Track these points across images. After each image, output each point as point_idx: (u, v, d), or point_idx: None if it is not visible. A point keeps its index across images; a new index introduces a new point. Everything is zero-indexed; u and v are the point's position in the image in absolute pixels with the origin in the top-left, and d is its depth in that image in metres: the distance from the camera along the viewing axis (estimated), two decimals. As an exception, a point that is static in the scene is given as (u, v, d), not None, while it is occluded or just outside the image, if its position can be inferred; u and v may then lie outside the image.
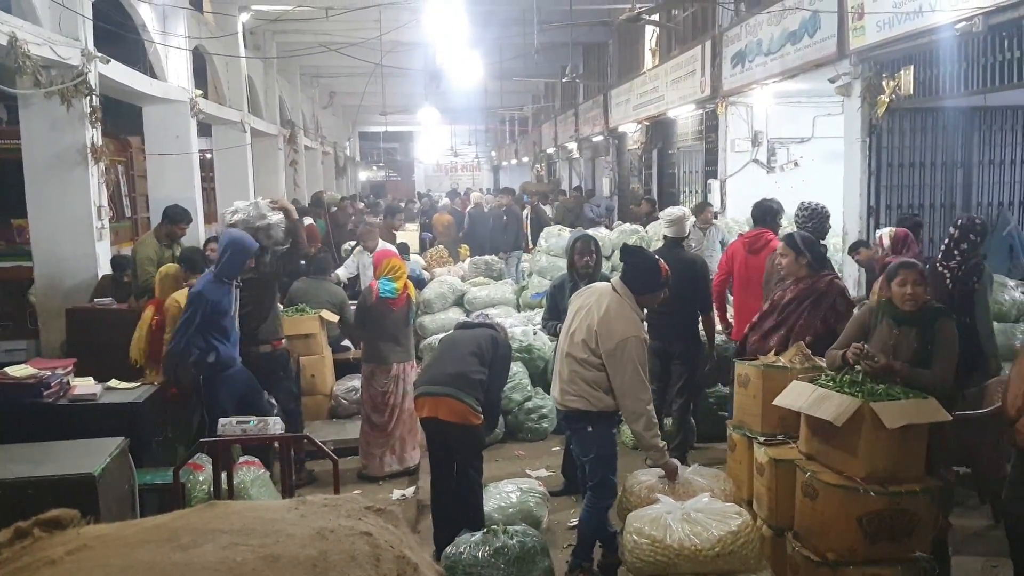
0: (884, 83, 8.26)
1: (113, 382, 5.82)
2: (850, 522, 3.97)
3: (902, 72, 8.04)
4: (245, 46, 15.84)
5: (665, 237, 7.00)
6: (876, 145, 8.73)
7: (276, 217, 6.56)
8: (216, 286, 5.99)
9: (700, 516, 4.11)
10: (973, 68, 7.09)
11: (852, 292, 7.35)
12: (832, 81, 9.05)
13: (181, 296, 6.35)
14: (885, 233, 6.27)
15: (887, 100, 8.23)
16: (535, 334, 8.12)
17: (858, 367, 4.30)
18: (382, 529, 1.55)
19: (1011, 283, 7.27)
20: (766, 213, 7.29)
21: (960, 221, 5.87)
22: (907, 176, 8.81)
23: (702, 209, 10.44)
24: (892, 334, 4.40)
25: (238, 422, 5.33)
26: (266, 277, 6.57)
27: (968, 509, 5.60)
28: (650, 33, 17.88)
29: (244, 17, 15.12)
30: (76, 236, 8.59)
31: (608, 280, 5.41)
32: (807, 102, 11.89)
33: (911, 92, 7.97)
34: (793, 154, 12.61)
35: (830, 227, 7.12)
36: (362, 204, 18.16)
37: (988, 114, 8.85)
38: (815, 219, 6.45)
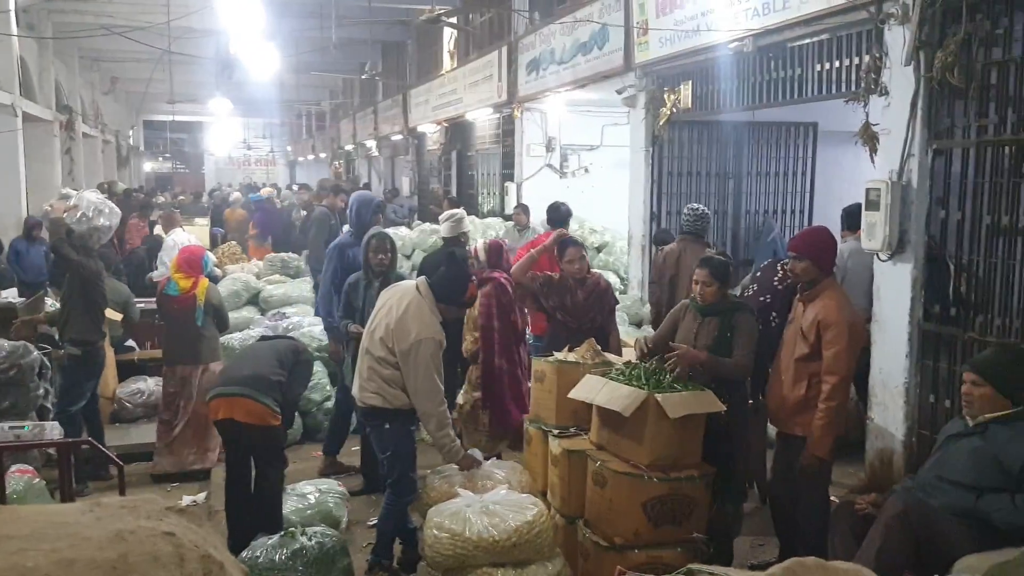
0: (666, 96, 8.81)
1: None
2: (635, 507, 4.23)
3: (682, 87, 8.61)
4: (18, 24, 14.60)
5: (443, 238, 7.17)
6: (658, 154, 9.28)
7: (112, 219, 6.39)
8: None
9: (498, 508, 4.24)
10: (745, 85, 7.68)
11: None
12: (619, 92, 9.54)
13: None
14: (480, 246, 6.60)
15: (668, 112, 8.79)
16: (333, 333, 8.01)
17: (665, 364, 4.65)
18: (185, 529, 1.52)
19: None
20: (562, 216, 7.92)
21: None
22: (686, 184, 9.42)
23: (518, 212, 10.75)
24: (696, 324, 4.80)
25: (11, 427, 4.97)
26: (92, 275, 6.49)
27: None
28: (449, 36, 18.08)
29: (17, -7, 13.96)
30: None
31: (404, 279, 5.49)
32: (597, 111, 12.45)
33: (690, 106, 8.55)
34: (584, 160, 13.18)
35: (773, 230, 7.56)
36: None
37: (757, 128, 9.59)
38: (700, 221, 6.82)
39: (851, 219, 6.65)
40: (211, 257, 12.27)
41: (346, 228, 7.78)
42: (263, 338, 5.93)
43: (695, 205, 7.07)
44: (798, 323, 4.63)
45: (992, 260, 5.07)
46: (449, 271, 4.91)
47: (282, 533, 4.68)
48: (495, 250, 6.44)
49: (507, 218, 12.54)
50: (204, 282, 6.70)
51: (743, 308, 4.85)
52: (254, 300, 10.21)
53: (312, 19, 16.36)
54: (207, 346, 6.79)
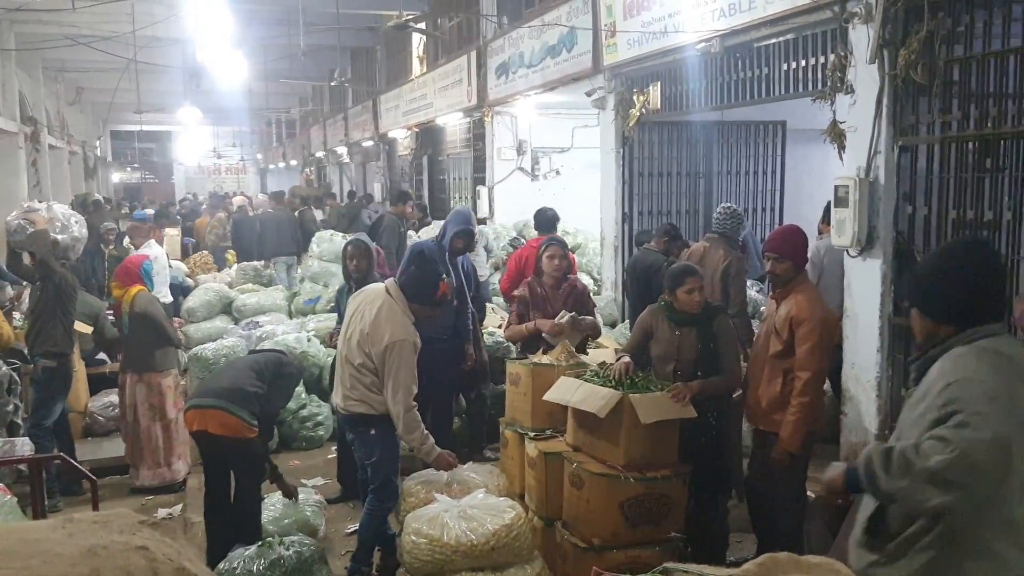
0: (635, 97, 8.85)
1: None
2: (613, 508, 4.24)
3: (650, 88, 8.66)
4: (-22, 36, 14.41)
5: None
6: (628, 156, 9.32)
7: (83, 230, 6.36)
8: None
9: (476, 512, 4.24)
10: (713, 85, 7.74)
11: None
12: (589, 95, 9.58)
13: None
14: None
15: (637, 114, 8.83)
16: (309, 341, 7.99)
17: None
18: (159, 543, 1.51)
19: (748, 282, 8.01)
20: (549, 220, 7.95)
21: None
22: (656, 185, 9.47)
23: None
24: (675, 336, 4.72)
25: (-21, 444, 4.90)
26: (71, 287, 6.54)
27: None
28: (418, 41, 18.06)
29: (-23, 4, 13.77)
30: None
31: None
32: (567, 114, 12.49)
33: (659, 107, 8.60)
34: (555, 163, 13.21)
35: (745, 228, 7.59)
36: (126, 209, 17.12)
37: (726, 128, 9.67)
38: (732, 221, 6.79)
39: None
40: (182, 267, 12.26)
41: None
42: (252, 351, 5.89)
43: (729, 204, 7.04)
44: (771, 320, 4.66)
45: (959, 254, 5.13)
46: (418, 271, 4.91)
47: (259, 543, 4.65)
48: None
49: (480, 221, 12.55)
50: (132, 290, 6.50)
51: (717, 311, 4.84)
52: (227, 309, 10.14)
53: (280, 26, 16.27)
54: (138, 355, 6.59)
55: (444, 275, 5.19)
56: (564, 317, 5.55)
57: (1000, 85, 4.89)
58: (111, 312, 7.96)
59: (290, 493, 5.40)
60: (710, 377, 4.64)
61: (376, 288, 4.96)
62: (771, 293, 4.78)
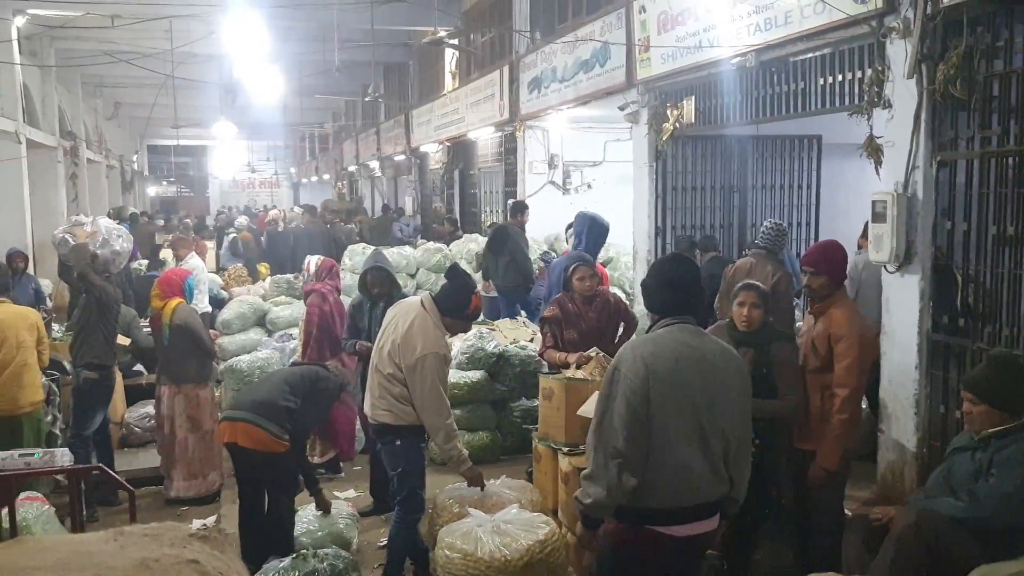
0: (668, 112, 8.83)
1: None
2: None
3: (684, 102, 8.64)
4: (20, 52, 14.70)
5: None
6: (661, 170, 9.30)
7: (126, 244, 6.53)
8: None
9: (509, 527, 4.24)
10: (747, 100, 7.70)
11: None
12: (622, 109, 9.58)
13: None
14: (313, 261, 7.19)
15: (671, 128, 8.81)
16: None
17: None
18: (209, 556, 1.52)
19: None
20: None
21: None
22: (690, 199, 9.42)
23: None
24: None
25: (21, 455, 4.97)
26: (112, 300, 6.70)
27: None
28: (450, 56, 18.18)
29: (19, 21, 14.05)
30: None
31: (407, 296, 5.54)
32: (599, 127, 12.48)
33: (693, 121, 8.57)
34: (586, 177, 13.20)
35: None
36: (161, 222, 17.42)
37: (761, 142, 9.60)
38: (779, 236, 6.74)
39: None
40: (216, 280, 12.40)
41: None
42: (294, 364, 5.97)
43: (775, 220, 7.00)
44: (809, 336, 4.61)
45: (999, 270, 5.07)
46: (452, 285, 4.93)
47: (293, 555, 4.68)
48: (326, 268, 7.20)
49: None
50: (173, 302, 6.59)
51: (781, 337, 4.63)
52: (261, 322, 10.24)
53: (315, 42, 16.45)
54: (177, 367, 6.66)
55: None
56: (592, 351, 5.51)
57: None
58: (146, 324, 8.09)
59: (325, 507, 5.43)
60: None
61: (411, 301, 5.00)
62: (809, 308, 4.73)
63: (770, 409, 4.44)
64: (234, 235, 16.23)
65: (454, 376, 7.01)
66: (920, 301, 5.48)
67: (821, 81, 6.66)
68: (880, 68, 5.71)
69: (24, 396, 6.22)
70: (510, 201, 11.08)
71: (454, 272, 5.02)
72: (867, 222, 6.47)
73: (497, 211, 15.27)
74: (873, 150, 5.81)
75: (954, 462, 3.97)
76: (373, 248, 8.78)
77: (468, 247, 12.06)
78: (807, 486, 4.61)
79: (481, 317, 8.11)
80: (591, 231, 6.80)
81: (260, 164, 37.67)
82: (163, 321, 6.56)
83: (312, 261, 7.33)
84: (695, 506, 3.22)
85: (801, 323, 4.99)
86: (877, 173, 5.87)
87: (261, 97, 17.76)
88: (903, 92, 5.53)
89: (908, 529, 3.70)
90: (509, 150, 14.29)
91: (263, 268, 15.08)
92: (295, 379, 5.23)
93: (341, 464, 7.30)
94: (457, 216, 16.87)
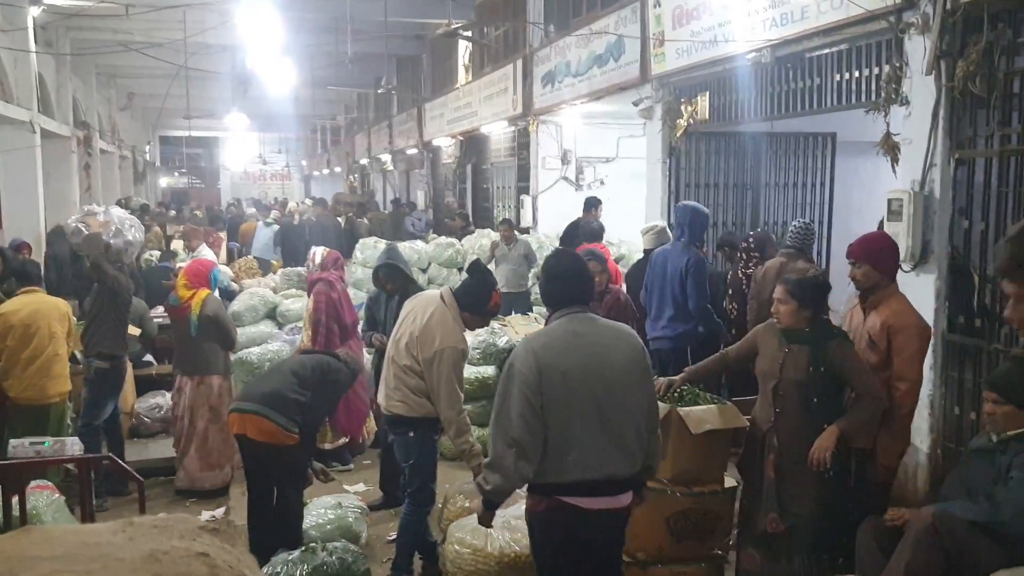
0: (682, 107, 8.79)
1: None
2: (658, 522, 4.19)
3: (699, 98, 8.59)
4: (36, 41, 14.74)
5: (645, 250, 7.40)
6: (675, 166, 9.25)
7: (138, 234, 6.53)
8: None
9: (519, 523, 4.22)
10: (762, 96, 7.65)
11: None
12: (635, 104, 9.53)
13: None
14: (319, 251, 7.26)
15: (685, 124, 8.77)
16: (352, 347, 8.03)
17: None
18: (219, 549, 1.50)
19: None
20: (596, 232, 8.26)
21: (753, 234, 6.42)
22: (703, 196, 9.36)
23: (505, 227, 10.83)
24: (782, 352, 4.30)
25: (31, 443, 4.98)
26: (125, 290, 6.74)
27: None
28: (464, 49, 18.14)
29: (35, 10, 14.08)
30: None
31: (422, 291, 5.51)
32: (612, 123, 12.43)
33: (707, 117, 8.53)
34: (599, 173, 13.15)
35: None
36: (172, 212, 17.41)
37: (775, 139, 9.54)
38: (807, 235, 6.68)
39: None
40: (227, 272, 12.41)
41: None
42: (305, 351, 5.93)
43: (804, 219, 6.95)
44: (862, 331, 4.47)
45: (1017, 270, 5.01)
46: (473, 280, 4.91)
47: (302, 548, 4.67)
48: (332, 259, 7.27)
49: (523, 231, 12.56)
50: (203, 293, 6.59)
51: (837, 335, 4.35)
52: (272, 314, 10.22)
53: (327, 34, 16.44)
54: (203, 358, 6.67)
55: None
56: None
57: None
58: (158, 315, 8.10)
59: (325, 478, 5.41)
60: (832, 411, 4.17)
61: (430, 294, 4.99)
62: (858, 303, 4.62)
63: (863, 414, 4.18)
64: (275, 226, 16.09)
65: (466, 371, 6.98)
66: (936, 301, 5.43)
67: (837, 77, 6.61)
68: (898, 64, 5.66)
69: (53, 386, 6.28)
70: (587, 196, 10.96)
71: (476, 268, 5.01)
72: (881, 220, 6.41)
73: (509, 206, 15.23)
74: (890, 148, 5.76)
75: (972, 464, 3.91)
76: (386, 243, 8.77)
77: (480, 242, 12.02)
78: (856, 490, 4.44)
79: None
80: (694, 221, 6.75)
81: (271, 156, 37.75)
82: (191, 312, 6.56)
83: (318, 252, 7.36)
84: (603, 482, 3.39)
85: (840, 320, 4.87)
86: (894, 171, 5.82)
87: (273, 88, 17.80)
88: (921, 89, 5.48)
89: (925, 532, 3.65)
90: (522, 145, 14.26)
91: (275, 261, 15.10)
92: (305, 371, 5.18)
93: (350, 456, 7.29)
94: (469, 211, 16.84)
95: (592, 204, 10.45)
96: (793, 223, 6.85)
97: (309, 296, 7.28)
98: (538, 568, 3.63)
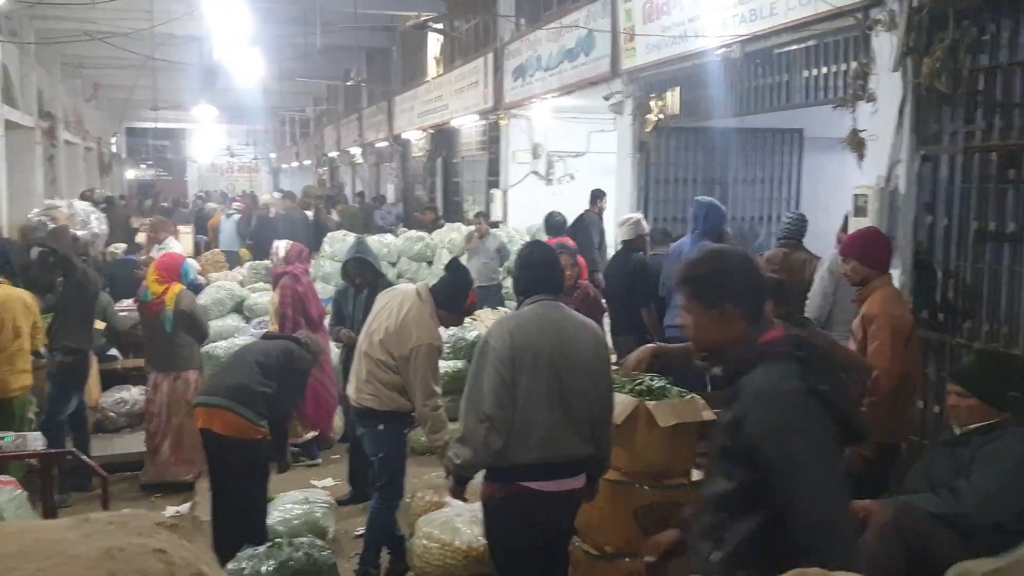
0: (652, 102, 8.81)
1: None
2: (626, 516, 4.19)
3: (669, 93, 8.61)
4: (0, 30, 14.46)
5: (623, 241, 7.39)
6: (645, 161, 9.27)
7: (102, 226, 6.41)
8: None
9: (487, 517, 4.21)
10: (732, 92, 7.68)
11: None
12: (606, 99, 9.54)
13: None
14: (282, 245, 7.35)
15: (655, 119, 8.79)
16: (319, 341, 7.97)
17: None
18: (176, 546, 1.48)
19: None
20: (560, 225, 8.17)
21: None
22: (673, 191, 9.41)
23: (479, 221, 10.85)
24: None
25: (-9, 438, 4.90)
26: (93, 283, 6.72)
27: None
28: (434, 42, 18.06)
29: (-1, -1, 13.79)
30: None
31: (391, 285, 5.49)
32: (584, 117, 12.43)
33: (677, 112, 8.55)
34: (570, 167, 13.15)
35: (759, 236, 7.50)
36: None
37: (744, 135, 9.59)
38: (800, 225, 6.74)
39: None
40: (194, 265, 12.26)
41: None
42: (266, 336, 5.82)
43: (797, 211, 6.99)
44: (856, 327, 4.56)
45: (979, 266, 5.09)
46: (451, 277, 4.90)
47: (268, 544, 4.63)
48: (296, 252, 7.33)
49: (493, 224, 12.53)
50: (176, 288, 6.52)
51: (809, 322, 4.60)
52: (238, 308, 10.13)
53: (296, 25, 16.27)
54: (177, 353, 6.62)
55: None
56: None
57: (1024, 95, 4.84)
58: (123, 308, 7.99)
59: (283, 468, 5.39)
60: None
61: (406, 289, 4.98)
62: (854, 299, 4.70)
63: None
64: (235, 216, 15.95)
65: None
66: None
67: (806, 73, 6.66)
68: (865, 61, 5.71)
69: (16, 380, 6.15)
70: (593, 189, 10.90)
71: (455, 266, 5.01)
72: (846, 215, 6.47)
73: (480, 200, 15.20)
74: (856, 144, 5.82)
75: (935, 457, 3.96)
76: (355, 236, 8.73)
77: (451, 236, 11.98)
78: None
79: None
80: (708, 215, 6.75)
81: (239, 148, 37.38)
82: (166, 307, 6.47)
83: (281, 246, 7.38)
84: (561, 463, 3.53)
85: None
86: (860, 167, 5.87)
87: (241, 80, 17.57)
88: (887, 86, 5.53)
89: (888, 525, 3.69)
90: (493, 139, 14.23)
91: (243, 253, 14.95)
92: (268, 360, 5.10)
93: (318, 451, 7.24)
94: (439, 205, 16.78)
95: (597, 196, 10.49)
96: (788, 214, 6.96)
97: (275, 290, 7.24)
98: (492, 554, 3.73)
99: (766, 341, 2.30)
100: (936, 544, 3.65)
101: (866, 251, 4.56)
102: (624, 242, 7.36)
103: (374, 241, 11.44)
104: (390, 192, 22.06)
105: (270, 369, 5.05)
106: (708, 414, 4.35)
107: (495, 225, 12.50)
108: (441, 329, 4.91)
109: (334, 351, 7.21)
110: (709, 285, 2.36)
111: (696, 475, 4.44)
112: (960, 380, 3.88)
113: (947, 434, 3.99)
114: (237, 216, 15.78)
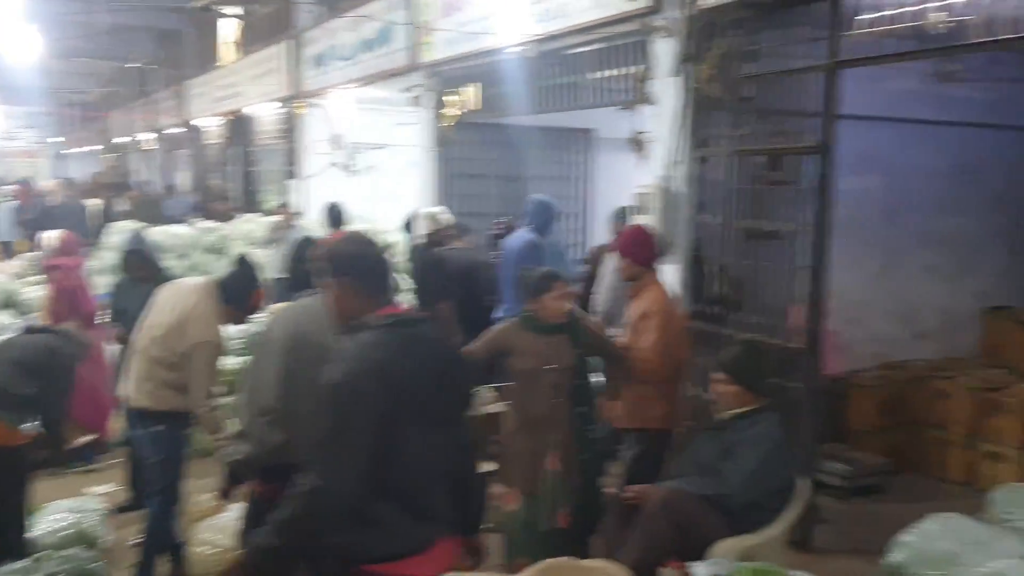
0: (452, 97, 8.84)
1: None
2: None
3: (469, 88, 8.66)
4: None
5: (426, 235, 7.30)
6: (447, 155, 9.30)
7: None
8: None
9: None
10: (528, 90, 7.82)
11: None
12: (407, 91, 9.49)
13: None
14: (54, 235, 7.35)
15: (455, 114, 8.82)
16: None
17: None
18: None
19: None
20: (337, 217, 8.19)
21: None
22: (473, 186, 9.49)
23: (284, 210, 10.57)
24: (545, 344, 4.25)
25: None
26: None
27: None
28: (229, 26, 17.35)
29: None
30: None
31: (173, 279, 5.24)
32: (388, 109, 12.27)
33: (479, 107, 8.62)
34: (372, 159, 12.98)
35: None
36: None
37: (540, 133, 9.79)
38: (544, 214, 6.72)
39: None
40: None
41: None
42: (27, 329, 5.31)
43: (537, 196, 7.07)
44: (628, 319, 4.72)
45: (745, 262, 5.44)
46: (239, 272, 4.70)
47: (33, 558, 4.28)
48: (69, 243, 7.17)
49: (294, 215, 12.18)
50: None
51: (580, 315, 4.59)
52: (11, 303, 9.33)
53: (80, 2, 15.20)
54: None
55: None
56: None
57: (787, 102, 5.21)
58: None
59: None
60: (588, 389, 4.40)
61: (189, 284, 4.73)
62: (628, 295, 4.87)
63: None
64: (13, 201, 14.65)
65: (227, 362, 6.69)
66: (679, 290, 5.78)
67: (594, 75, 6.87)
68: (646, 66, 5.96)
69: None
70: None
71: (243, 262, 4.80)
72: (623, 209, 6.69)
73: (279, 190, 14.74)
74: (638, 145, 6.07)
75: (702, 443, 4.20)
76: (131, 229, 8.32)
77: (247, 227, 11.55)
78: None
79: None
80: (536, 211, 6.68)
81: (18, 131, 34.49)
82: None
83: (53, 236, 7.10)
84: None
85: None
86: (642, 168, 6.14)
87: (17, 58, 16.20)
88: (667, 90, 5.81)
89: (657, 507, 3.88)
90: (292, 128, 13.84)
91: (19, 244, 13.78)
92: (27, 358, 4.67)
93: (94, 455, 6.80)
94: (238, 195, 16.16)
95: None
96: (529, 202, 7.16)
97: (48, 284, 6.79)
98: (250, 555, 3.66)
99: (380, 315, 2.63)
100: (703, 524, 3.87)
101: (635, 249, 4.79)
102: (428, 235, 7.37)
103: (163, 232, 10.88)
104: (183, 180, 21.04)
105: (30, 368, 4.64)
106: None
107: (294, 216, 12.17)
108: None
109: (113, 349, 6.79)
110: (339, 263, 2.72)
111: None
112: (723, 368, 4.14)
113: (713, 419, 4.25)
114: (15, 203, 14.57)
